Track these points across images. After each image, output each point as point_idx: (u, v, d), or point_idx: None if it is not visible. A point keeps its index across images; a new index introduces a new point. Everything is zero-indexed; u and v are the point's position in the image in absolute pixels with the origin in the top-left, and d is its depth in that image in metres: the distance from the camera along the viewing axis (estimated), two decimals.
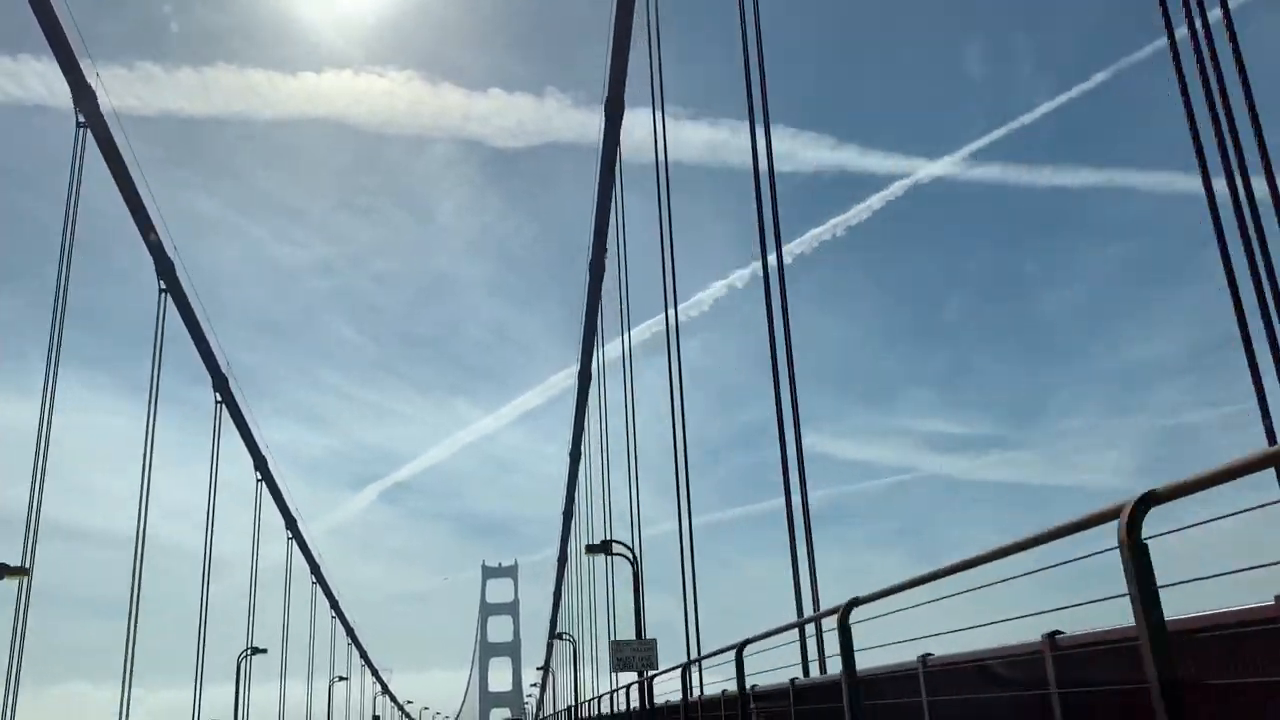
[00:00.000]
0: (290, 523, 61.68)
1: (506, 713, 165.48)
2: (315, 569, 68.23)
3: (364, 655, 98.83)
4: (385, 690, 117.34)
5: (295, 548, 64.30)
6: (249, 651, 47.98)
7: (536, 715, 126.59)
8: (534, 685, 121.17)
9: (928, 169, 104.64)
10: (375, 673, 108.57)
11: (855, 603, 6.32)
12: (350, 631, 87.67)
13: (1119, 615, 4.36)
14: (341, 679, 78.13)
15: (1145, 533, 3.09)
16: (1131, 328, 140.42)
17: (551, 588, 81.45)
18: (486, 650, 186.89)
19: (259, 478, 55.10)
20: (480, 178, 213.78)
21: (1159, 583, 3.12)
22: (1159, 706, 2.89)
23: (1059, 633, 5.57)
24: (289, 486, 60.67)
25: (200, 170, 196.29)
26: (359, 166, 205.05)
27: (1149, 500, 3.04)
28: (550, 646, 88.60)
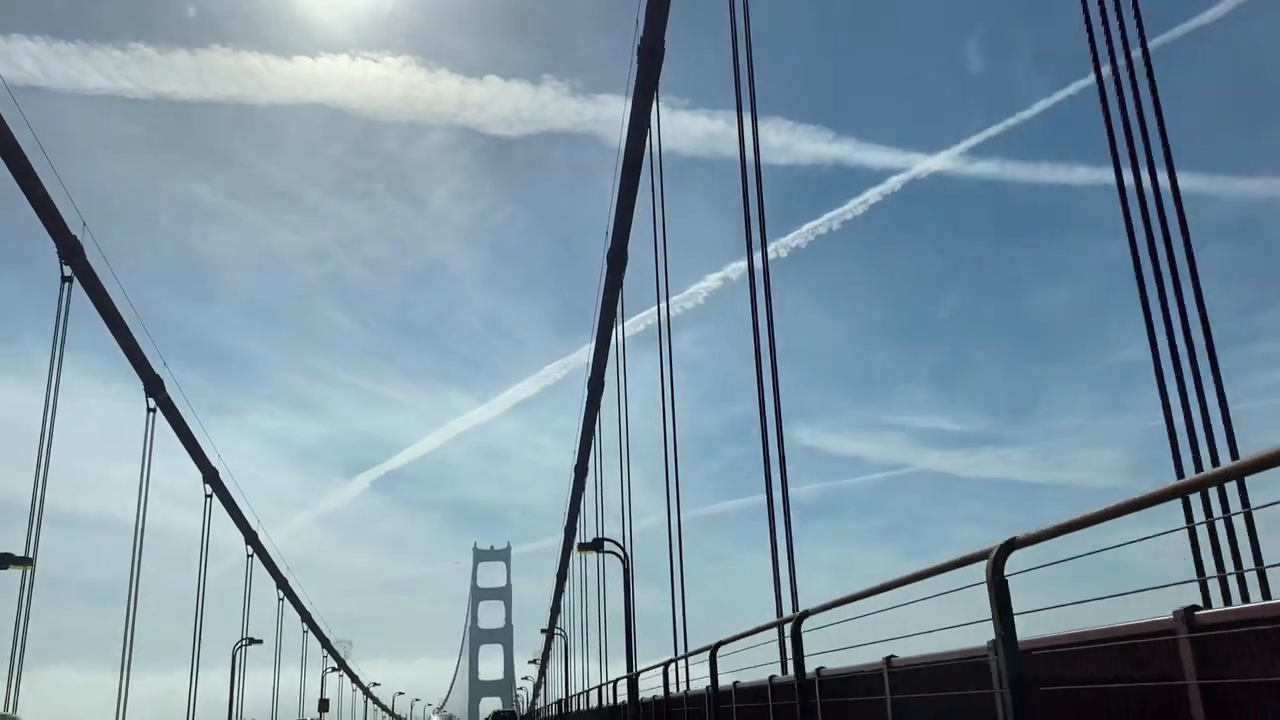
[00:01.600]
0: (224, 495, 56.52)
1: (497, 702, 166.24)
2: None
3: (306, 617, 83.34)
4: (342, 667, 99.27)
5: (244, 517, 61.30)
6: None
7: (532, 705, 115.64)
8: (532, 662, 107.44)
9: (925, 164, 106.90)
10: (327, 644, 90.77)
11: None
12: (282, 583, 73.24)
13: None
14: (252, 642, 58.91)
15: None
16: (1126, 326, 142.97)
17: (545, 579, 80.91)
18: (477, 636, 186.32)
19: (208, 493, 51.64)
20: (475, 165, 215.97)
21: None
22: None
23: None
24: (263, 485, 61.88)
25: (194, 154, 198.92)
26: (353, 153, 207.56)
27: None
28: (555, 609, 78.35)
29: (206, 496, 51.40)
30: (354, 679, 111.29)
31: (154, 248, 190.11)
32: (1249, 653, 4.79)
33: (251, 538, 61.93)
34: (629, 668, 26.47)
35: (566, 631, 58.92)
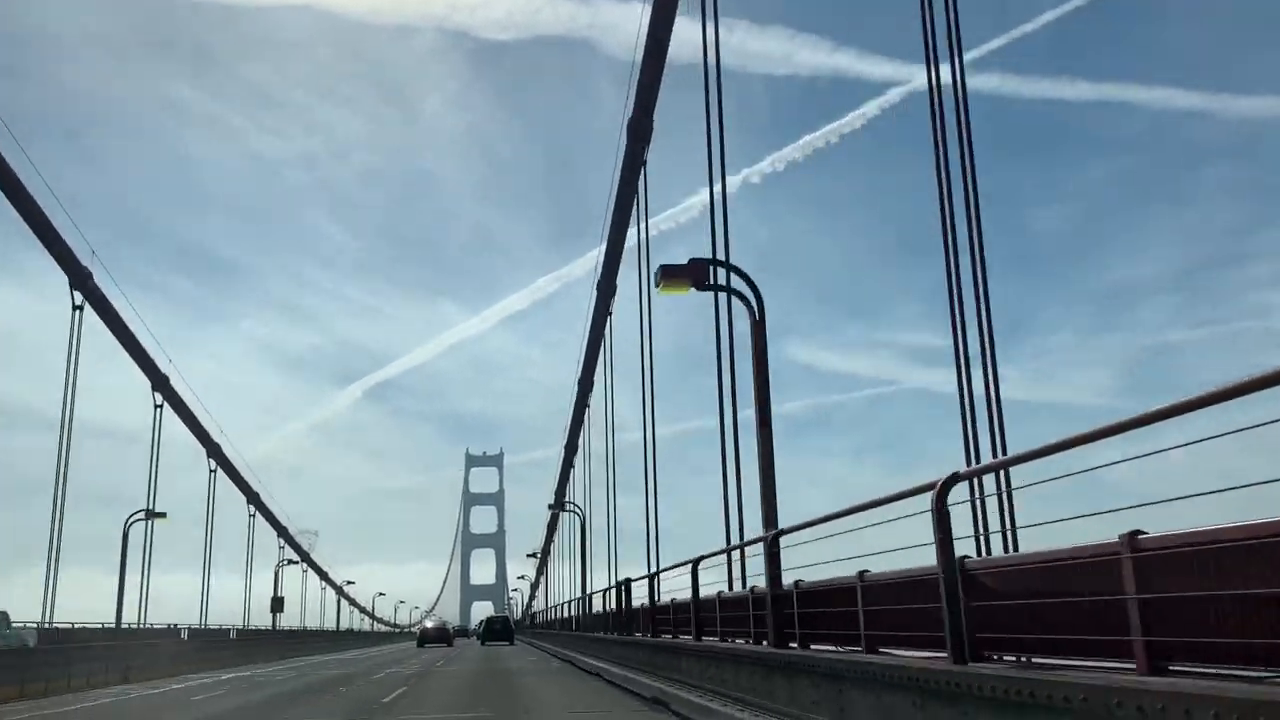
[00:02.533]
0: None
1: (489, 606, 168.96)
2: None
3: (254, 498, 70.37)
4: (305, 560, 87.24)
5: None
6: None
7: (528, 607, 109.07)
8: (531, 555, 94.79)
9: (923, 76, 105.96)
10: (283, 532, 78.17)
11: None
12: (215, 450, 60.92)
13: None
14: (152, 515, 49.00)
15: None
16: (1121, 245, 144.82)
17: (538, 489, 74.50)
18: (469, 541, 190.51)
19: (78, 303, 42.93)
20: (467, 71, 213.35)
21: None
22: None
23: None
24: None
25: (179, 58, 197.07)
26: (341, 56, 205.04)
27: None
28: (563, 480, 62.43)
29: (75, 310, 43.41)
30: (321, 574, 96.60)
31: (138, 151, 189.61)
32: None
33: (160, 382, 51.00)
34: (767, 520, 13.66)
35: (582, 508, 48.74)
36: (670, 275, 14.54)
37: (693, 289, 14.67)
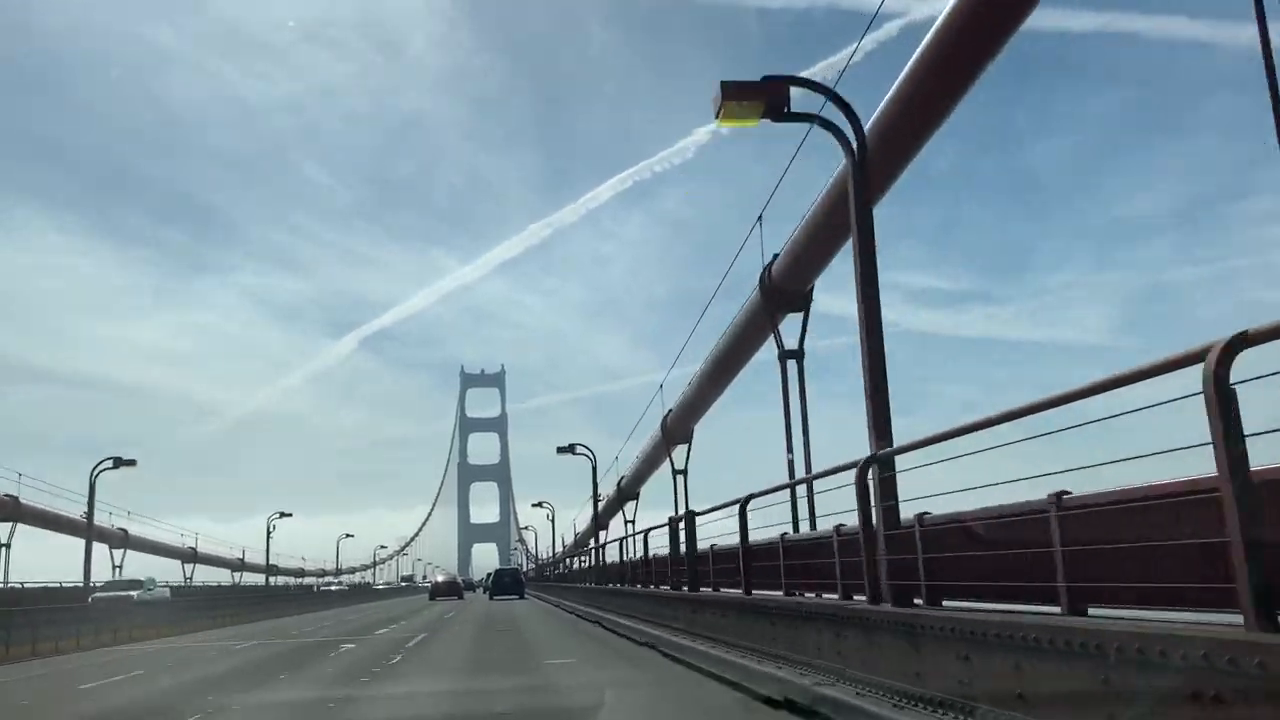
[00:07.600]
0: None
1: (492, 549, 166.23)
2: None
3: None
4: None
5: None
6: None
7: (556, 558, 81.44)
8: (537, 505, 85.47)
9: (923, 8, 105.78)
10: None
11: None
12: None
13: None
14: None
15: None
16: (1122, 181, 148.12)
17: (543, 435, 68.62)
18: (466, 474, 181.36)
19: None
20: (452, 9, 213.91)
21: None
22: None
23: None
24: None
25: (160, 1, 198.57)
26: None
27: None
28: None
29: None
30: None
31: (121, 98, 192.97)
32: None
33: None
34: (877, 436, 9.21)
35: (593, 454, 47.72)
36: (735, 97, 10.93)
37: (765, 119, 11.17)
